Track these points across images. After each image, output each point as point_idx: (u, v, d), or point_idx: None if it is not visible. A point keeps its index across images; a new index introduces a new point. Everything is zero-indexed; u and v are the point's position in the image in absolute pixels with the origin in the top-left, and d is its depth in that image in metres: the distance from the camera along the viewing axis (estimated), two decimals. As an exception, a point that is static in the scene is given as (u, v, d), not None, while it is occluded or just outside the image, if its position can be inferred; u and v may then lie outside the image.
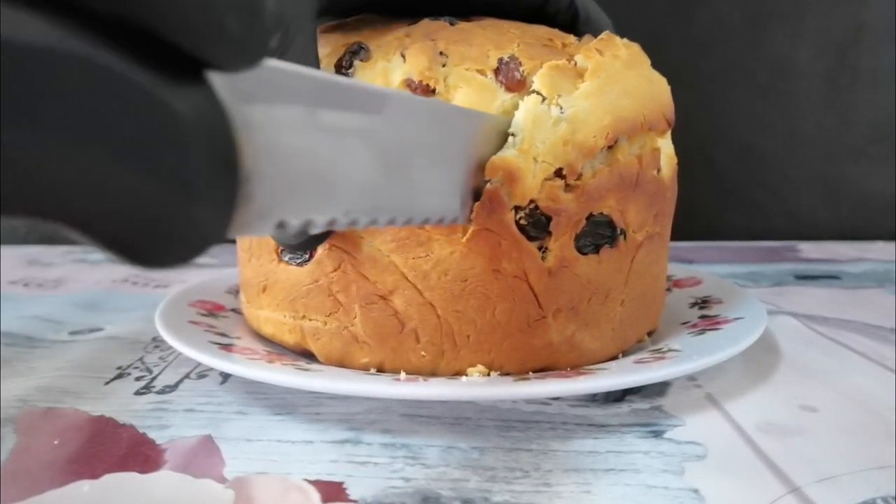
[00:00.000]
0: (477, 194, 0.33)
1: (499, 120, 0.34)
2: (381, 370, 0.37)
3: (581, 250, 0.36)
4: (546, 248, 0.35)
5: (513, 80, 0.35)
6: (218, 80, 0.17)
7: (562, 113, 0.34)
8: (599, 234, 0.36)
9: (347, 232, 0.36)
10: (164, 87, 0.15)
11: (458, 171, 0.31)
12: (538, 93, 0.34)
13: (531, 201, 0.34)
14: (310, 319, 0.38)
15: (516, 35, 0.37)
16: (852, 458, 0.30)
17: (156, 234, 0.16)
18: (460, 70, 0.35)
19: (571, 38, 0.39)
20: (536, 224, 0.34)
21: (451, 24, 0.38)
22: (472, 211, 0.33)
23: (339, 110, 0.22)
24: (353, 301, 0.36)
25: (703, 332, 0.41)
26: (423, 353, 0.36)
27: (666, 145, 0.40)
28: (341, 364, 0.37)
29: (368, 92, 0.25)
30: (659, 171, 0.39)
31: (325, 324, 0.37)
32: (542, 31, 0.39)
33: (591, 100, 0.35)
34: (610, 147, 0.36)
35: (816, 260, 0.72)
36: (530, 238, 0.34)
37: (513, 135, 0.34)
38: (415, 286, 0.35)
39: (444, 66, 0.35)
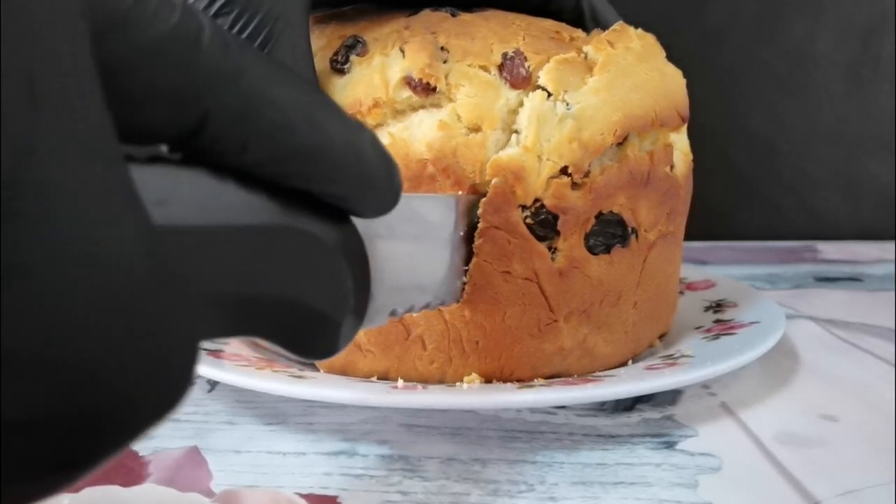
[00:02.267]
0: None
1: (470, 198, 0.34)
2: (385, 379, 0.37)
3: (592, 250, 0.36)
4: (555, 249, 0.35)
5: (518, 76, 0.35)
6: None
7: (568, 109, 0.34)
8: (610, 233, 0.36)
9: None
10: (330, 233, 0.21)
11: (450, 255, 0.32)
12: (543, 88, 0.34)
13: (536, 200, 0.34)
14: None
15: (521, 28, 0.37)
16: (875, 471, 0.30)
17: (320, 335, 0.22)
18: (462, 66, 0.35)
19: (580, 32, 0.39)
20: (543, 223, 0.34)
21: (453, 15, 0.38)
22: (462, 289, 0.34)
23: (412, 221, 0.28)
24: None
25: (717, 336, 0.41)
26: (430, 360, 0.36)
27: (680, 141, 0.40)
28: (343, 373, 0.37)
29: (424, 200, 0.32)
30: (672, 167, 0.39)
31: None
32: (548, 23, 0.39)
33: (600, 95, 0.35)
34: (619, 143, 0.36)
35: (837, 261, 0.72)
36: (538, 238, 0.34)
37: (517, 132, 0.34)
38: None
39: (445, 62, 0.35)
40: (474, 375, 0.36)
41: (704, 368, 0.35)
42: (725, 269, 0.67)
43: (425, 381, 0.36)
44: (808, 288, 0.61)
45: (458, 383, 0.36)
